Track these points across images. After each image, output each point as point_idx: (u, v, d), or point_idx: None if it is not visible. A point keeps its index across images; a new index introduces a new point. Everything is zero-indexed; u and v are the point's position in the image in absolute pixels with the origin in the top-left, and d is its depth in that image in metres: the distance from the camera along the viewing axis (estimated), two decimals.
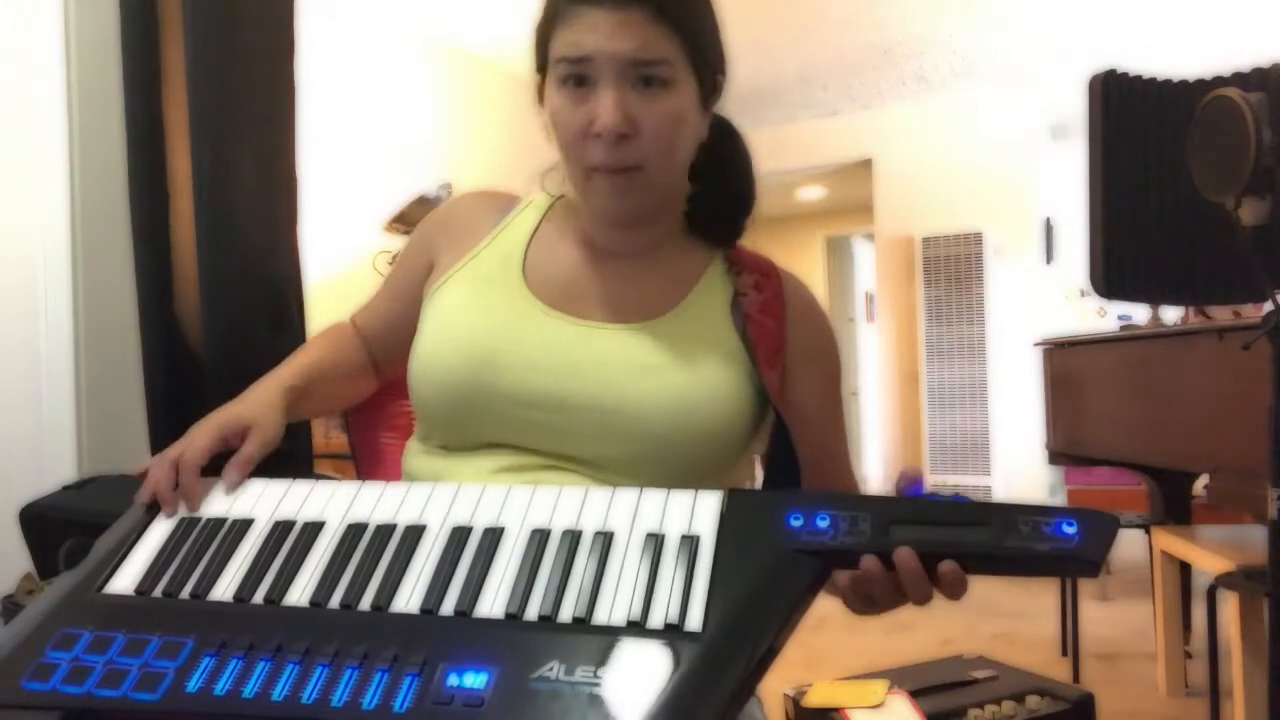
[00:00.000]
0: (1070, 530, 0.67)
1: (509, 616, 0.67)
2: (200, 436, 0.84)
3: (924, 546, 0.69)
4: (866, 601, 0.73)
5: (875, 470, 6.72)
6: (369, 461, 1.14)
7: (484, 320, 0.92)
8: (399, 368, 1.05)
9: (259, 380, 0.95)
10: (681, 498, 0.75)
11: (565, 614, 0.67)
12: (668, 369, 0.88)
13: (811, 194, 7.03)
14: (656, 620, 0.66)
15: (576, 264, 0.96)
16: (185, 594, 0.72)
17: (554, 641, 0.65)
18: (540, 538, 0.73)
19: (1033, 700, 1.73)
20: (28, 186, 1.95)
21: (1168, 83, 1.78)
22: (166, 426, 2.00)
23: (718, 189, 0.98)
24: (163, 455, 0.83)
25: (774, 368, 0.92)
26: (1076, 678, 2.77)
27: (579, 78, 0.85)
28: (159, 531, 0.79)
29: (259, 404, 0.89)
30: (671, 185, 0.94)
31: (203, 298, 1.96)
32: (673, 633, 0.65)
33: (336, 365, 1.02)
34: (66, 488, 1.70)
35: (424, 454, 0.95)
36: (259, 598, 0.71)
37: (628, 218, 0.94)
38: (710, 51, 0.91)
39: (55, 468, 1.89)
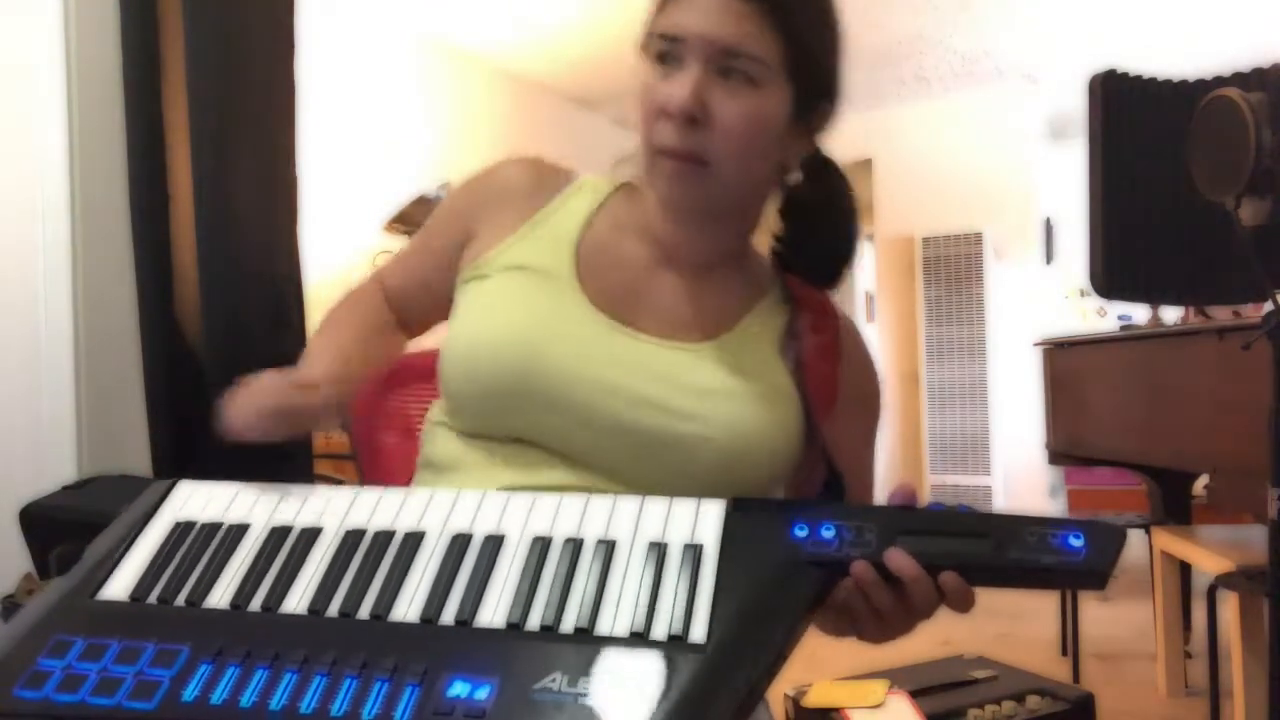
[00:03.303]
0: (1077, 543, 0.66)
1: (510, 626, 0.66)
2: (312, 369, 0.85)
3: (928, 558, 0.68)
4: (875, 620, 0.70)
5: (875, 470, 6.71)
6: (370, 461, 1.14)
7: (530, 316, 0.87)
8: (427, 327, 1.02)
9: (317, 351, 0.92)
10: (684, 506, 0.73)
11: (568, 624, 0.66)
12: (721, 397, 0.84)
13: None
14: (660, 631, 0.65)
15: (634, 265, 0.91)
16: (180, 600, 0.71)
17: (556, 652, 0.64)
18: (542, 546, 0.72)
19: (1033, 700, 1.73)
20: (28, 187, 1.95)
21: (1168, 83, 1.78)
22: (166, 427, 2.01)
23: (813, 233, 0.94)
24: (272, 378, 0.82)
25: (828, 420, 0.88)
26: (1076, 678, 2.76)
27: (668, 55, 0.83)
28: (153, 536, 0.77)
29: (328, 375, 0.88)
30: (740, 193, 0.89)
31: (203, 298, 1.96)
32: (676, 644, 0.64)
33: (368, 339, 0.98)
34: (66, 488, 1.71)
35: (448, 434, 0.91)
36: (256, 605, 0.70)
37: (685, 210, 0.89)
38: (817, 71, 0.87)
39: (55, 468, 1.89)
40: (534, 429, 0.85)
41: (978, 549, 0.67)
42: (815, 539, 0.69)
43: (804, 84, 0.85)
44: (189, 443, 1.98)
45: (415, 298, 1.00)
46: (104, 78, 1.97)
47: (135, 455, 1.99)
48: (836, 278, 0.95)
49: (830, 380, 0.89)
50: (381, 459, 1.14)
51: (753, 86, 0.82)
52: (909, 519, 0.70)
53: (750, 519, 0.72)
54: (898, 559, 0.67)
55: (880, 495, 0.74)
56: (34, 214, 1.94)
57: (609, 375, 0.84)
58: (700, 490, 0.80)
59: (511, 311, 0.87)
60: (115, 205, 1.99)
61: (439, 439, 0.91)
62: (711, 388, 0.84)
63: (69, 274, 1.94)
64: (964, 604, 0.68)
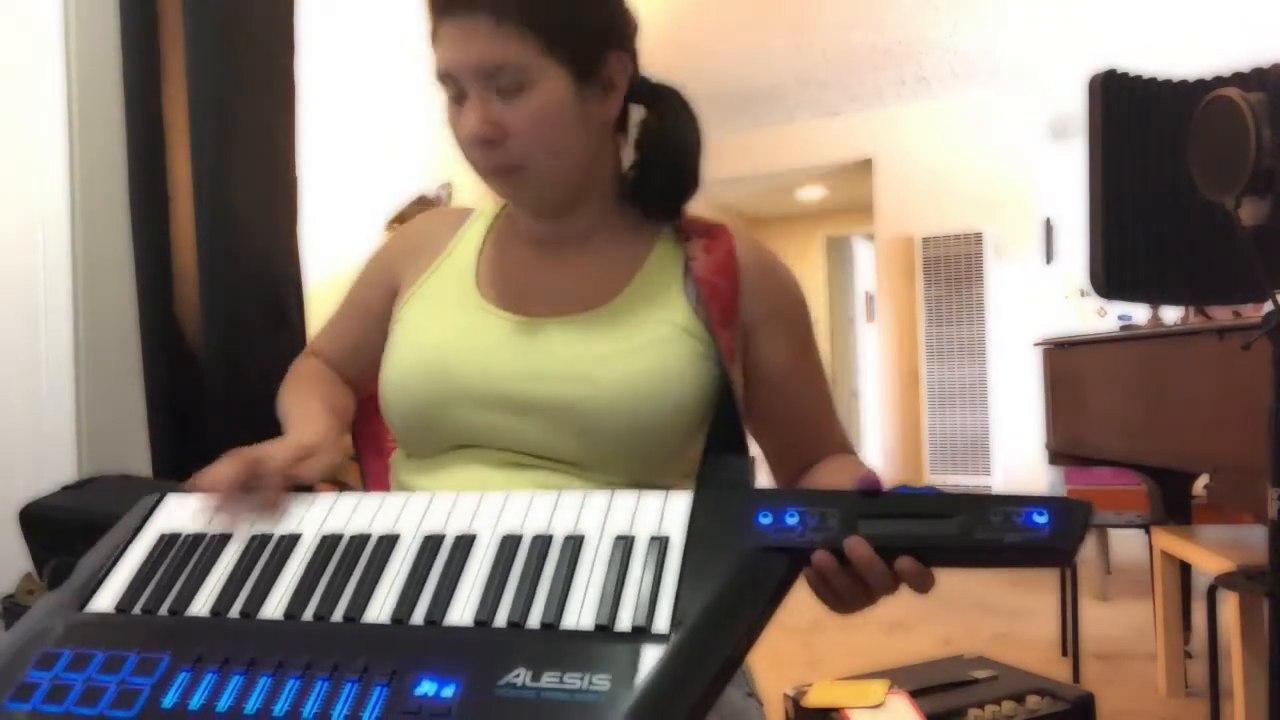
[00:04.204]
0: (1041, 520, 0.66)
1: (478, 624, 0.68)
2: (281, 444, 0.84)
3: (892, 541, 0.68)
4: (832, 596, 0.72)
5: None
6: (374, 460, 1.14)
7: (440, 333, 0.93)
8: (365, 389, 1.06)
9: (305, 412, 0.93)
10: (652, 499, 0.75)
11: (534, 619, 0.67)
12: (623, 358, 0.88)
13: (811, 194, 7.03)
14: (624, 623, 0.66)
15: (524, 261, 0.97)
16: (164, 610, 0.73)
17: (522, 647, 0.65)
18: (511, 544, 0.73)
19: (1033, 700, 1.73)
20: (28, 187, 1.95)
21: (1168, 83, 1.78)
22: (166, 427, 2.01)
23: (656, 161, 0.96)
24: (238, 452, 0.81)
25: (727, 327, 0.91)
26: (1076, 678, 2.77)
27: (454, 92, 0.88)
28: (140, 548, 0.80)
29: (324, 438, 0.89)
30: (571, 173, 0.92)
31: (203, 298, 1.96)
32: (640, 635, 0.65)
33: (336, 396, 1.02)
34: (66, 488, 1.71)
35: (405, 466, 0.96)
36: (235, 612, 0.72)
37: (539, 211, 0.95)
38: (579, 35, 0.88)
39: (55, 468, 1.89)
40: (470, 430, 0.90)
41: (943, 530, 0.68)
42: (779, 526, 0.70)
43: (572, 56, 0.87)
44: (189, 443, 1.98)
45: (350, 361, 1.06)
46: (104, 78, 1.97)
47: (135, 455, 1.99)
48: (680, 202, 0.97)
49: (727, 293, 0.92)
50: (384, 459, 1.14)
51: (527, 89, 0.86)
52: (872, 503, 0.70)
53: (715, 509, 0.73)
54: (856, 548, 0.68)
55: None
56: (34, 214, 1.94)
57: (514, 362, 0.89)
58: (619, 447, 0.86)
59: (426, 332, 0.94)
60: (115, 205, 1.99)
61: (400, 473, 0.97)
62: (602, 350, 0.89)
63: (69, 274, 1.94)
64: (923, 585, 0.69)
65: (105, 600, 0.75)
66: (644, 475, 0.87)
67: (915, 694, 1.71)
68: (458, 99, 0.88)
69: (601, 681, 0.61)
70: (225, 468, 0.80)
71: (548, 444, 0.87)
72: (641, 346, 0.89)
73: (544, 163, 0.89)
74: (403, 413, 0.92)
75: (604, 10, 0.91)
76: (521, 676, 0.62)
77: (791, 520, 0.70)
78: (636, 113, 0.97)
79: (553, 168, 0.90)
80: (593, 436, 0.86)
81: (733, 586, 0.67)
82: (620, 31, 0.93)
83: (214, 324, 1.94)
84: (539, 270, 0.96)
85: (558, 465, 0.88)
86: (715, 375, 0.90)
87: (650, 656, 0.63)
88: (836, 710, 1.67)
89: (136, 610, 0.74)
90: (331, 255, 3.37)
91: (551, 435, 0.87)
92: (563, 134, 0.88)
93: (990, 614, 3.52)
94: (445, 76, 0.87)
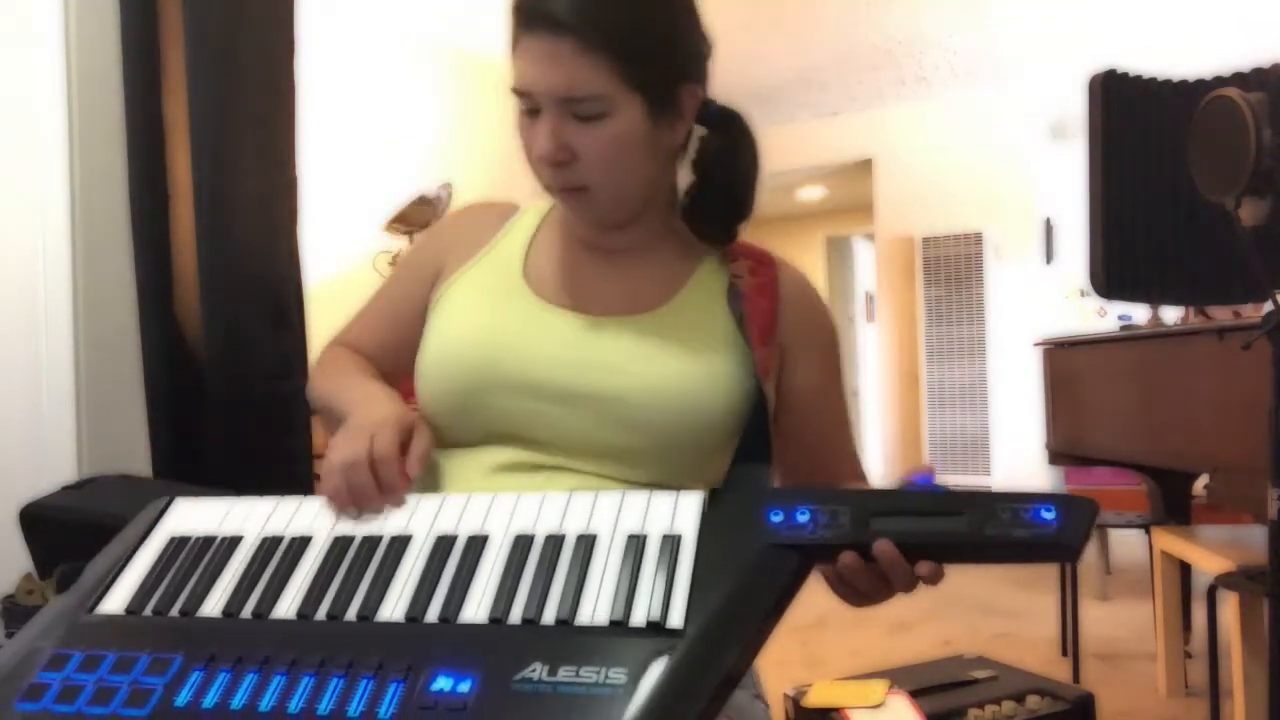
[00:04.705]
0: (1049, 516, 0.67)
1: (493, 621, 0.68)
2: (384, 433, 0.81)
3: (903, 538, 0.69)
4: (853, 593, 0.74)
5: (875, 470, 6.72)
6: None
7: (485, 319, 0.94)
8: (402, 386, 1.05)
9: (368, 390, 0.92)
10: (663, 499, 0.75)
11: (548, 616, 0.68)
12: (666, 358, 0.90)
13: (811, 194, 7.03)
14: (638, 619, 0.66)
15: (575, 262, 0.98)
16: (175, 611, 0.74)
17: (537, 643, 0.65)
18: (524, 543, 0.74)
19: (1033, 700, 1.73)
20: (28, 187, 1.95)
21: (1168, 83, 1.78)
22: (167, 427, 2.01)
23: (715, 186, 0.98)
24: (345, 461, 0.79)
25: (765, 345, 0.93)
26: (1076, 678, 2.76)
27: (528, 106, 0.88)
28: (149, 551, 0.80)
29: (404, 406, 0.89)
30: (633, 198, 0.94)
31: (203, 298, 1.96)
32: (654, 630, 0.65)
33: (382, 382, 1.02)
34: (66, 488, 1.71)
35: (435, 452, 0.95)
36: (247, 612, 0.72)
37: (595, 228, 0.97)
38: (658, 66, 0.88)
39: (55, 468, 1.89)
40: (503, 418, 0.90)
41: (953, 527, 0.69)
42: (791, 524, 0.71)
43: (650, 88, 0.88)
44: (189, 443, 1.98)
45: (386, 358, 1.04)
46: (104, 77, 1.97)
47: (135, 455, 1.99)
48: (732, 235, 0.99)
49: (767, 313, 0.95)
50: None
51: (604, 117, 0.86)
52: (882, 501, 0.71)
53: (727, 508, 0.74)
54: (885, 550, 0.69)
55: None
56: (34, 214, 1.94)
57: (561, 352, 0.91)
58: (660, 442, 0.87)
59: (471, 318, 0.95)
60: (115, 205, 1.99)
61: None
62: (654, 351, 0.90)
63: (69, 274, 1.94)
64: (934, 583, 0.71)
65: (115, 602, 0.75)
66: (676, 477, 0.88)
67: (915, 694, 1.71)
68: (531, 112, 0.88)
69: (618, 675, 0.62)
70: (352, 476, 0.79)
71: (588, 435, 0.88)
72: (689, 349, 0.91)
73: (610, 187, 0.90)
74: (442, 397, 0.92)
75: (686, 42, 0.92)
76: (538, 671, 0.63)
77: (803, 518, 0.71)
78: (696, 129, 0.98)
79: (618, 191, 0.92)
80: (636, 429, 0.87)
81: (745, 583, 0.68)
82: (698, 64, 0.94)
83: (214, 324, 1.94)
84: (589, 271, 0.98)
85: (596, 465, 0.88)
86: (752, 387, 0.92)
87: (665, 651, 0.64)
88: (836, 710, 1.67)
89: (147, 612, 0.74)
90: (331, 255, 3.37)
91: (594, 426, 0.88)
92: (632, 161, 0.90)
93: (991, 614, 3.52)
94: (521, 93, 0.88)
